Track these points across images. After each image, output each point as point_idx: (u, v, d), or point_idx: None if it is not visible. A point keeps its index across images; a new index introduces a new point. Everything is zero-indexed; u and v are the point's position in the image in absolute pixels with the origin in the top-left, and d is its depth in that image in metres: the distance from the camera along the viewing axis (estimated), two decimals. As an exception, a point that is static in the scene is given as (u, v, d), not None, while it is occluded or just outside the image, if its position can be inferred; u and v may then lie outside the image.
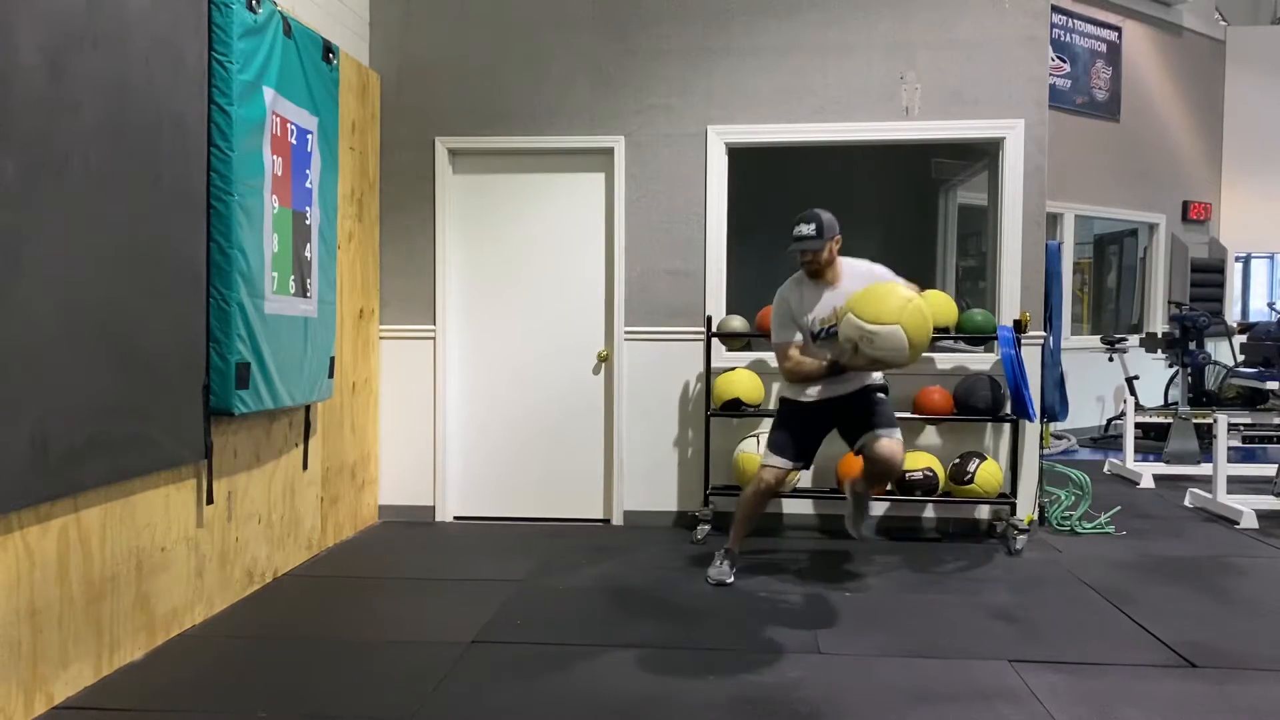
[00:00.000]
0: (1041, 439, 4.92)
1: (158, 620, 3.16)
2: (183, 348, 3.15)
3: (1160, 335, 7.19)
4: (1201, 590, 3.85)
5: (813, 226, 3.63)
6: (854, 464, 4.56)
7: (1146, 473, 6.27)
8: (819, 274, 3.72)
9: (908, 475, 4.53)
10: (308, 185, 3.90)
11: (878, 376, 3.83)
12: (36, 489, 2.51)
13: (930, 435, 4.83)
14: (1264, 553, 4.47)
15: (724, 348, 4.93)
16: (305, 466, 4.17)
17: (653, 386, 4.97)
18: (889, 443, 3.64)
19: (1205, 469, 6.20)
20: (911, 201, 7.77)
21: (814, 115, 4.86)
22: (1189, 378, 7.01)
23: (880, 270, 3.74)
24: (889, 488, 4.59)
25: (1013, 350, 4.50)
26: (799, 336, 3.77)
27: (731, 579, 3.90)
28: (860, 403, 3.77)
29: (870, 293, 3.45)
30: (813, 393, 3.80)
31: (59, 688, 2.70)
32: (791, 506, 4.89)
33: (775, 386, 4.86)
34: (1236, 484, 5.70)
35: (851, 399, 3.78)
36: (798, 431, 3.83)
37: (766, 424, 4.81)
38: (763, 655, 3.09)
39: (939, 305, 4.64)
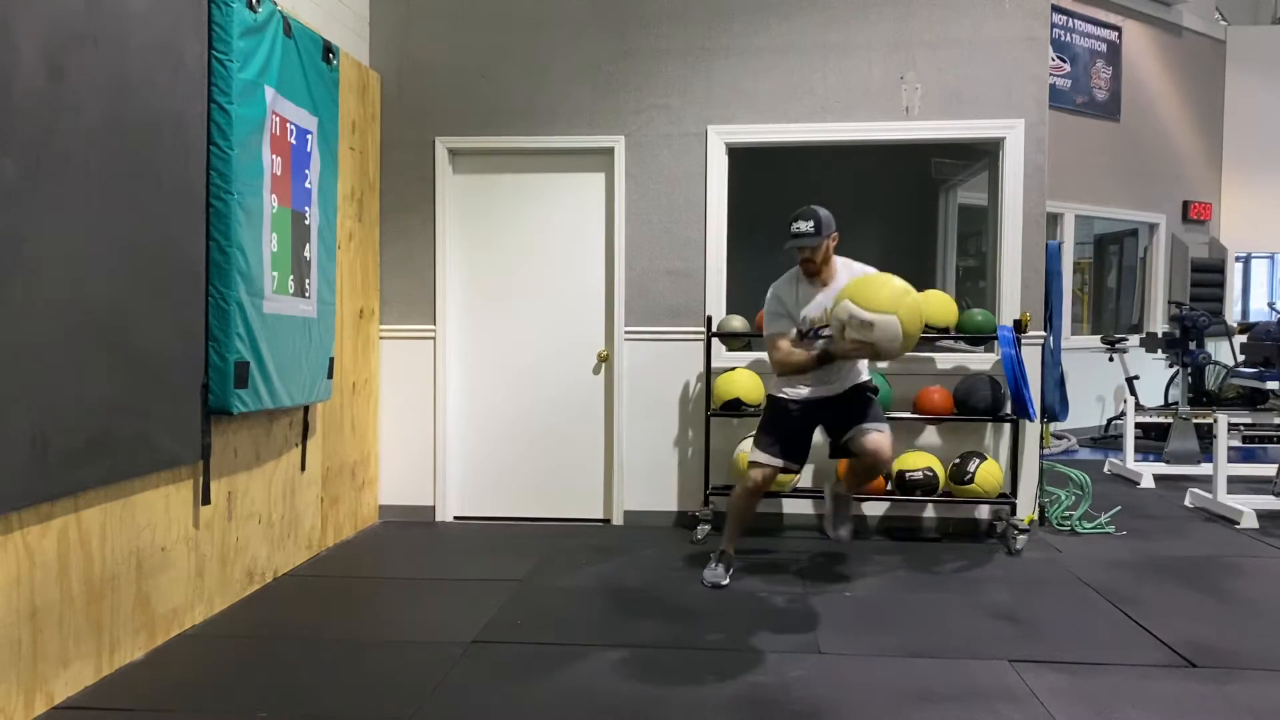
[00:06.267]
0: (1041, 439, 4.92)
1: (158, 620, 3.16)
2: (182, 347, 3.15)
3: (1160, 335, 7.19)
4: (1201, 590, 3.85)
5: (810, 224, 3.62)
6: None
7: (1147, 472, 6.27)
8: (815, 273, 3.72)
9: (908, 475, 4.53)
10: (307, 185, 3.90)
11: (865, 376, 3.83)
12: (37, 489, 2.51)
13: (930, 435, 4.82)
14: (1264, 553, 4.47)
15: (724, 348, 4.93)
16: (304, 468, 4.17)
17: (653, 386, 4.97)
18: (877, 436, 3.64)
19: (1205, 469, 6.20)
20: (911, 201, 7.77)
21: (814, 115, 4.86)
22: (1189, 378, 7.01)
23: (874, 272, 3.74)
24: (888, 487, 4.60)
25: (1013, 350, 4.50)
26: (792, 330, 3.77)
27: (727, 581, 3.88)
28: (849, 401, 3.78)
29: (868, 281, 3.45)
30: (802, 391, 3.79)
31: (59, 687, 2.70)
32: (791, 506, 4.89)
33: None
34: (1237, 484, 5.69)
35: (841, 399, 3.78)
36: (784, 431, 3.82)
37: (766, 424, 4.83)
38: (763, 655, 3.09)
39: (939, 305, 4.65)
